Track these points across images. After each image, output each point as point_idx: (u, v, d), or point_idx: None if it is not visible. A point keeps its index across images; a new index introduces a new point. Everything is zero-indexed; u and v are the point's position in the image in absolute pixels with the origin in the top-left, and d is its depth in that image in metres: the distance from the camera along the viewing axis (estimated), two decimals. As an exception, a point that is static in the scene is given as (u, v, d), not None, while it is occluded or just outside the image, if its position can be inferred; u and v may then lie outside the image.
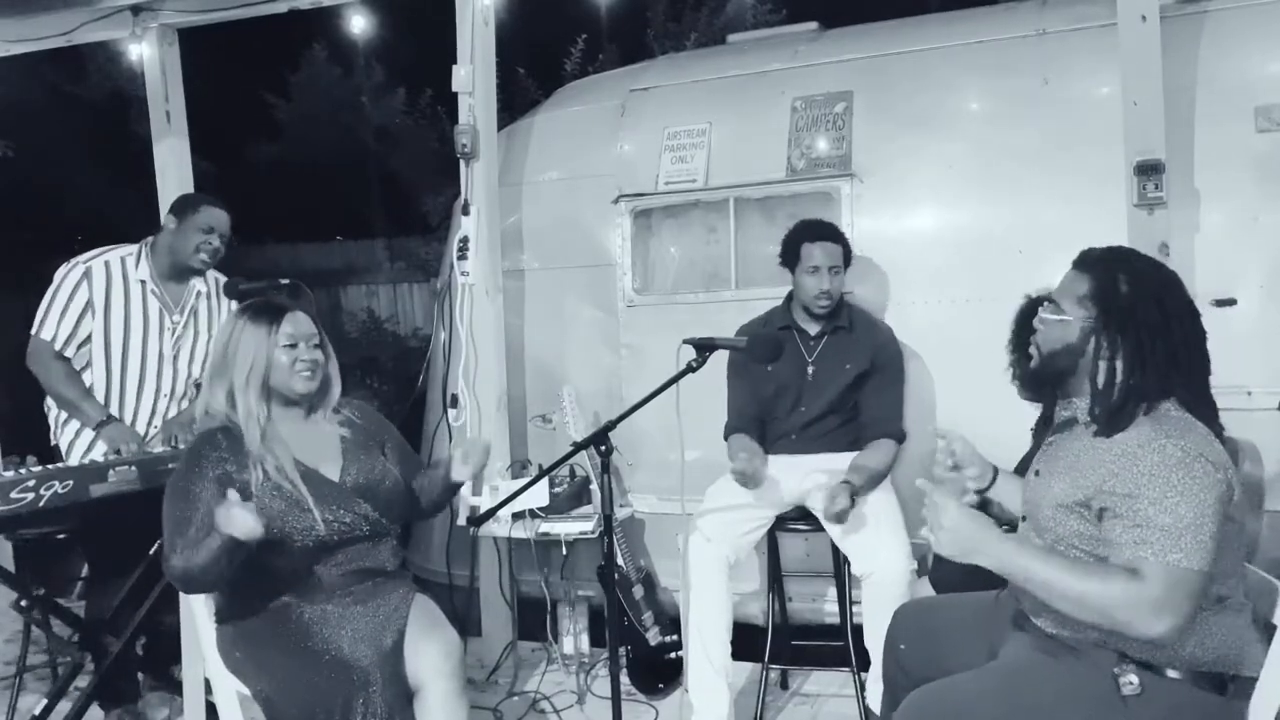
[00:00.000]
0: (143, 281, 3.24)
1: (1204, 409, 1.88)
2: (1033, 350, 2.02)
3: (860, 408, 3.20)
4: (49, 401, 3.26)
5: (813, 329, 3.21)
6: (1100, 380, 1.89)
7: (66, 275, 3.19)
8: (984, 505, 2.18)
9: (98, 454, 3.11)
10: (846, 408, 3.20)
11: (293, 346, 2.43)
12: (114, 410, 3.21)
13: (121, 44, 4.52)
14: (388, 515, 2.49)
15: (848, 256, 3.19)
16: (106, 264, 3.22)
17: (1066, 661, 1.86)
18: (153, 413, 3.28)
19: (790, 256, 3.18)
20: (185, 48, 4.25)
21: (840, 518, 2.88)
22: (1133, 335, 1.86)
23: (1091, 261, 1.95)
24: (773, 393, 3.22)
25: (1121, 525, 1.79)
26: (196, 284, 3.34)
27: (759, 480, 2.96)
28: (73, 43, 4.22)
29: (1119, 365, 1.87)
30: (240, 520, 2.11)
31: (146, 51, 4.18)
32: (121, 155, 9.24)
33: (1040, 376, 2.03)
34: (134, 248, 3.28)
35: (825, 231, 3.17)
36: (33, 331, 3.18)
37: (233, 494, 2.16)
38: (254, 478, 2.33)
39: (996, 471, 2.22)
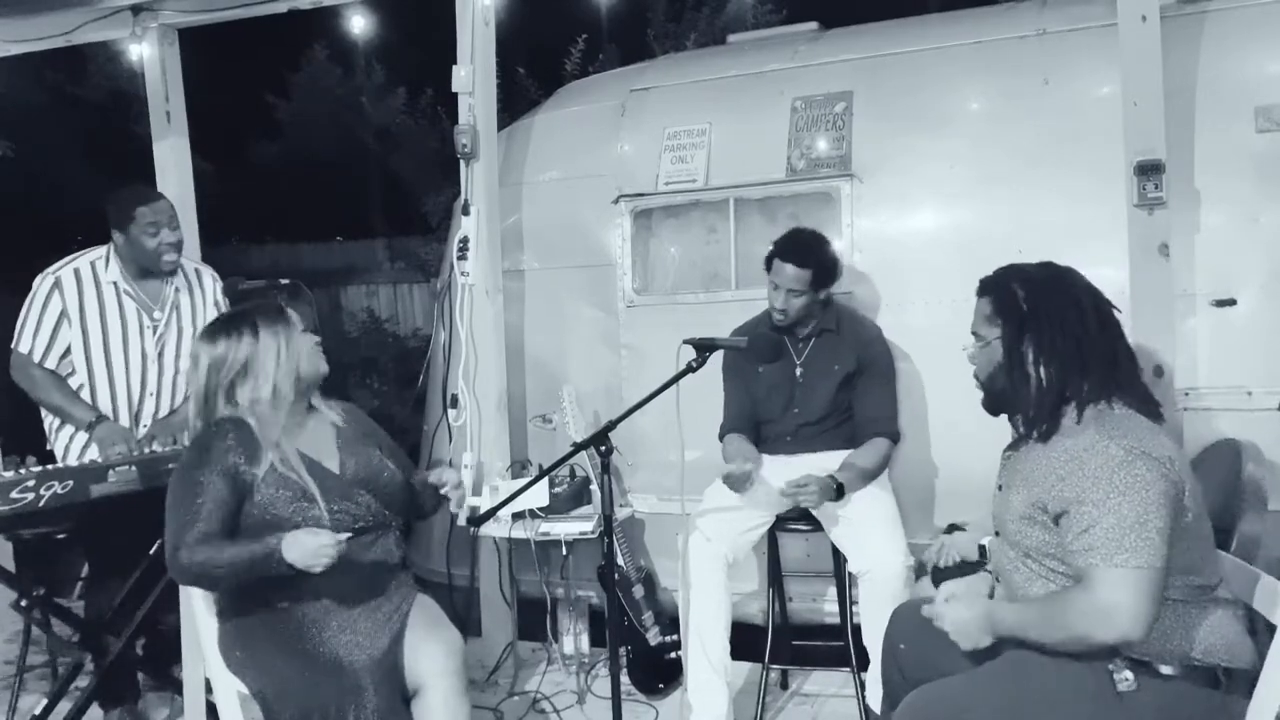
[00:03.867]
0: (114, 283, 3.20)
1: (1133, 389, 1.95)
2: (975, 382, 2.12)
3: (853, 407, 3.20)
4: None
5: (800, 331, 3.21)
6: (1026, 386, 1.97)
7: (38, 287, 3.17)
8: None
9: (95, 455, 3.11)
10: (841, 409, 3.20)
11: (306, 332, 2.50)
12: (105, 412, 3.20)
13: (121, 44, 4.53)
14: (389, 507, 2.50)
15: (822, 278, 3.11)
16: (76, 271, 3.19)
17: (1063, 660, 1.87)
18: (139, 409, 3.26)
19: (768, 264, 3.16)
20: (185, 48, 4.25)
21: (813, 499, 2.90)
22: (1035, 332, 1.97)
23: (988, 284, 2.08)
24: (764, 394, 3.23)
25: (1072, 532, 1.85)
26: (175, 279, 3.30)
27: (749, 485, 2.96)
28: (73, 43, 4.22)
29: (1039, 365, 1.96)
30: (308, 549, 2.18)
31: (146, 51, 4.18)
32: (121, 155, 9.24)
33: (991, 403, 2.11)
34: (103, 250, 3.24)
35: (795, 254, 3.11)
36: (12, 345, 3.16)
37: (326, 535, 2.21)
38: (262, 471, 2.34)
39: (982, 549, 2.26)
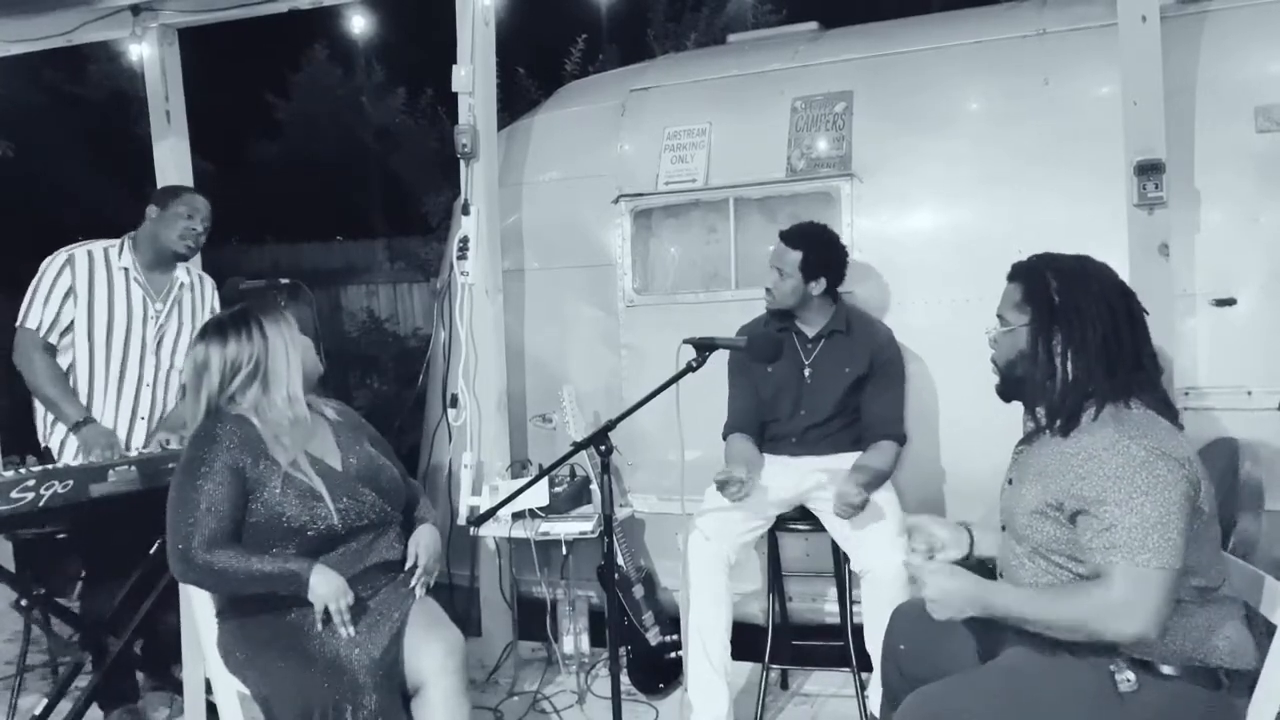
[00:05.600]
0: (125, 269, 3.26)
1: (1154, 392, 1.94)
2: (991, 367, 2.11)
3: (861, 410, 3.19)
4: (37, 403, 3.25)
5: (810, 330, 3.21)
6: (1050, 378, 1.96)
7: (49, 264, 3.22)
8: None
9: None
10: (848, 411, 3.19)
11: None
12: (96, 398, 3.22)
13: (121, 44, 4.54)
14: (391, 503, 2.50)
15: (813, 265, 3.10)
16: (89, 253, 3.25)
17: (1064, 660, 1.87)
18: (135, 401, 3.27)
19: None
20: (185, 48, 4.25)
21: (852, 511, 2.88)
22: (1064, 324, 1.95)
23: (1021, 270, 2.06)
24: (771, 395, 3.22)
25: (1092, 530, 1.84)
26: (180, 275, 3.36)
27: (742, 492, 2.88)
28: (73, 43, 4.22)
29: (1065, 359, 1.95)
30: (337, 589, 2.26)
31: (146, 51, 4.18)
32: (121, 155, 9.24)
33: (1006, 389, 2.10)
34: (116, 240, 3.31)
35: (790, 235, 3.16)
36: (17, 323, 3.18)
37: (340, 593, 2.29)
38: (268, 471, 2.34)
39: (972, 536, 2.23)
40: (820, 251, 3.15)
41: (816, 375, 3.18)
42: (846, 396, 3.17)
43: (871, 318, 3.37)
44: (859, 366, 3.16)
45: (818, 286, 3.14)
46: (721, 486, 2.90)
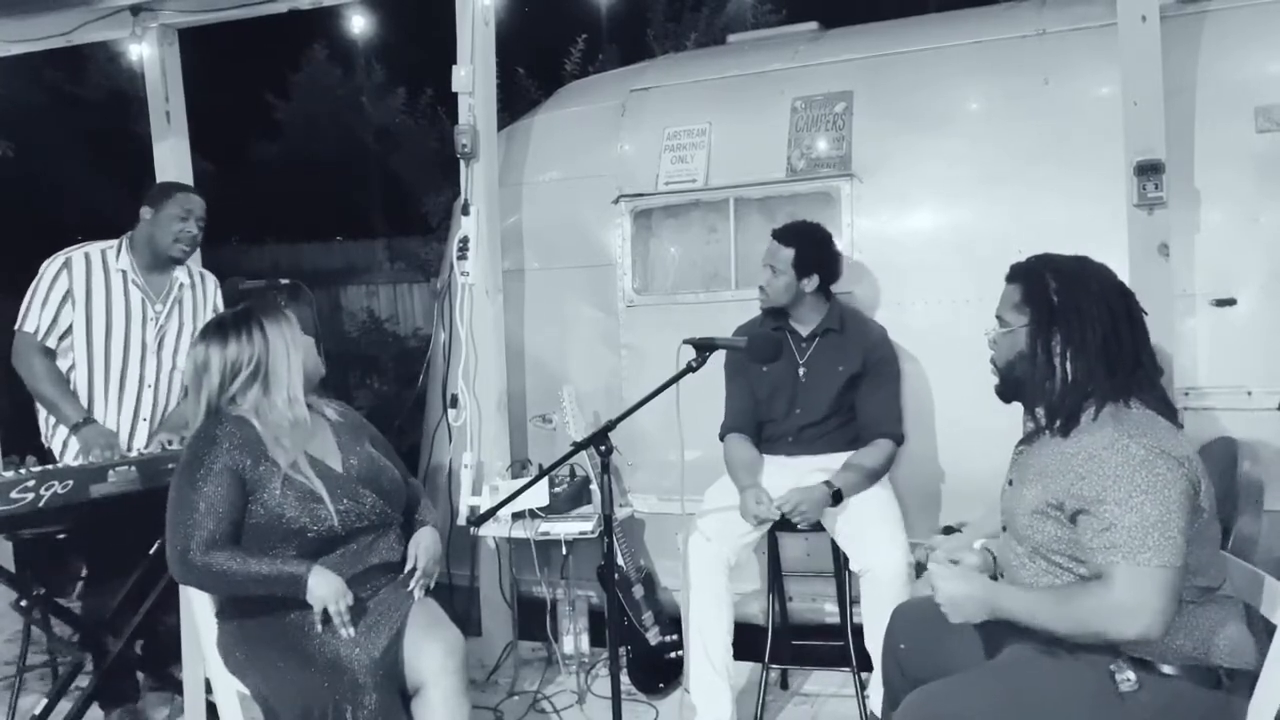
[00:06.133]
0: (123, 272, 3.25)
1: (1153, 391, 1.94)
2: (991, 368, 2.11)
3: (856, 409, 3.19)
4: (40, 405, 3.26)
5: (804, 330, 3.21)
6: (1050, 378, 1.97)
7: (47, 267, 3.21)
8: None
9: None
10: (843, 410, 3.19)
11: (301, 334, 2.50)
12: (97, 400, 3.22)
13: (121, 44, 4.54)
14: (392, 505, 2.50)
15: (806, 262, 3.11)
16: (86, 255, 3.24)
17: (1064, 660, 1.88)
18: (137, 403, 3.27)
19: None
20: (185, 48, 4.25)
21: (803, 520, 2.93)
22: (1063, 324, 1.96)
23: (1020, 271, 2.07)
24: (767, 394, 3.22)
25: (1092, 530, 1.85)
26: (179, 275, 3.35)
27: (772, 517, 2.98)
28: (73, 43, 4.23)
29: (1064, 359, 1.95)
30: (336, 590, 2.26)
31: (146, 51, 4.19)
32: (121, 155, 9.24)
33: (1005, 390, 2.10)
34: (114, 241, 3.30)
35: (783, 233, 3.17)
36: (16, 326, 3.18)
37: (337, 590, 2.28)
38: (268, 473, 2.33)
39: (995, 559, 2.23)
40: (812, 249, 3.15)
41: (811, 374, 3.18)
42: (841, 395, 3.17)
43: (865, 316, 3.37)
44: (852, 365, 3.16)
45: (810, 284, 3.14)
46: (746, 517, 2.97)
